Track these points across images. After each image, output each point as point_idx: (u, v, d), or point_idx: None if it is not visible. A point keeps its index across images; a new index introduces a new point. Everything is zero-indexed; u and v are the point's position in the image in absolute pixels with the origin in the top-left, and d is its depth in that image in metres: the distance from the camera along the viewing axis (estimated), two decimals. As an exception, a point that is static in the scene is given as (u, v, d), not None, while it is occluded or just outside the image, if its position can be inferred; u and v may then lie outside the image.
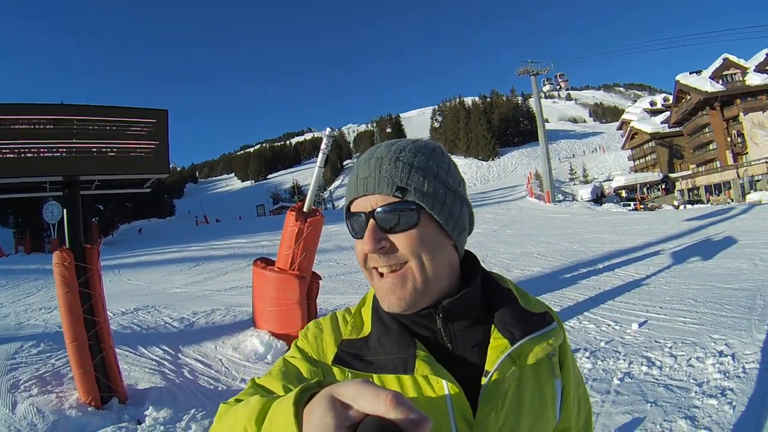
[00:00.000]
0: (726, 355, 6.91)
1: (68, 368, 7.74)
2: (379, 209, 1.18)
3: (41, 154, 6.53)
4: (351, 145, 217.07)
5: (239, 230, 42.98)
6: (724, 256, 14.60)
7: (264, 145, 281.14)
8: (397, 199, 1.18)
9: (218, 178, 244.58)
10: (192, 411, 6.57)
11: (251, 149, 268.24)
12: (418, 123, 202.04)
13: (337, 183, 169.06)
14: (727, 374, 6.34)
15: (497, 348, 1.21)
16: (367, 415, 0.66)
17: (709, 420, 5.31)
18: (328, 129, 10.46)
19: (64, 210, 7.14)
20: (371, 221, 1.18)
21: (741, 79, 70.60)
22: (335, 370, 1.26)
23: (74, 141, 6.76)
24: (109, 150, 6.98)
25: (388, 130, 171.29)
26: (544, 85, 75.76)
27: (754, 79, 69.23)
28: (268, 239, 30.74)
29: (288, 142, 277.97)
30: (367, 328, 1.30)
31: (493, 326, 1.26)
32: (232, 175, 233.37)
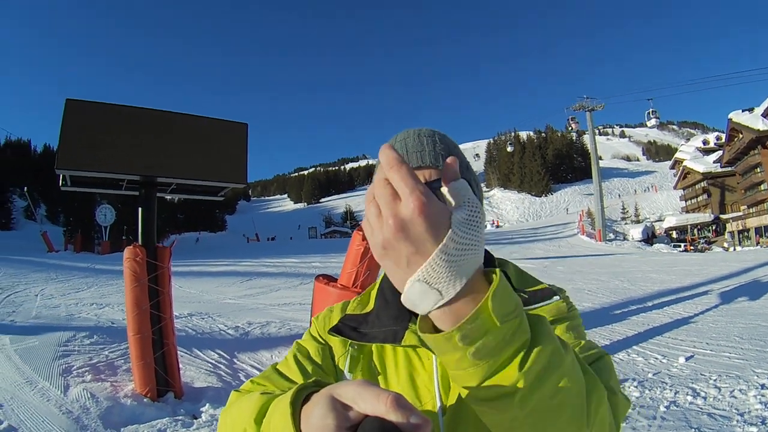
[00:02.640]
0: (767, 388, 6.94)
1: (122, 360, 8.03)
2: (437, 182, 1.10)
3: (124, 152, 6.81)
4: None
5: (291, 250, 42.90)
6: (771, 297, 14.36)
7: (318, 168, 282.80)
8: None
9: (271, 197, 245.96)
10: (250, 412, 6.65)
11: (305, 172, 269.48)
12: (472, 154, 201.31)
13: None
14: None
15: None
16: (367, 416, 0.68)
17: None
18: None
19: (140, 209, 7.36)
20: None
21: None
22: (337, 342, 1.33)
23: (157, 143, 7.07)
24: (190, 156, 7.27)
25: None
26: (650, 118, 75.02)
27: None
28: (320, 261, 30.78)
29: (342, 167, 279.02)
30: (371, 305, 1.36)
31: None
32: (285, 196, 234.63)
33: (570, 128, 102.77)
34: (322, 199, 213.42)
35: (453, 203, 0.83)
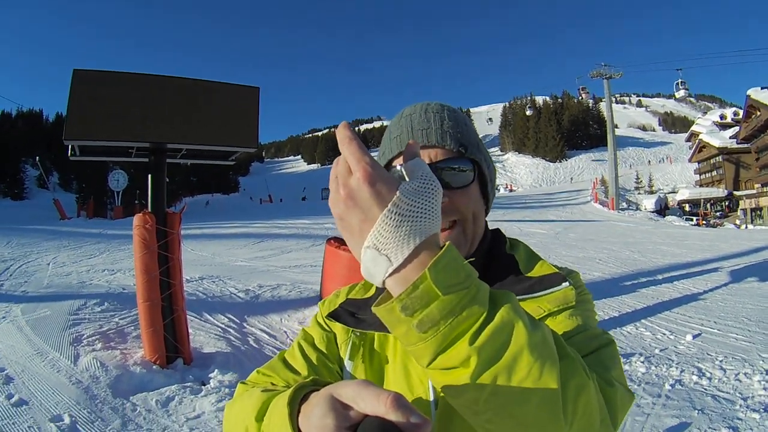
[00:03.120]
0: None
1: (132, 327, 8.10)
2: (443, 163, 1.21)
3: (133, 120, 6.80)
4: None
5: (304, 212, 43.26)
6: (782, 279, 14.41)
7: (333, 129, 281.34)
8: (458, 155, 1.22)
9: (285, 159, 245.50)
10: (258, 376, 6.69)
11: (319, 133, 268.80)
12: (488, 118, 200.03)
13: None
14: None
15: None
16: (366, 415, 0.68)
17: None
18: None
19: (149, 175, 7.36)
20: None
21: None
22: (340, 329, 1.33)
23: (166, 109, 7.04)
24: (199, 121, 7.25)
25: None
26: (678, 89, 74.36)
27: None
28: (333, 222, 30.80)
29: (357, 128, 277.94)
30: (373, 290, 1.38)
31: None
32: (299, 157, 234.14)
33: (581, 97, 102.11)
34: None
35: (407, 180, 0.85)
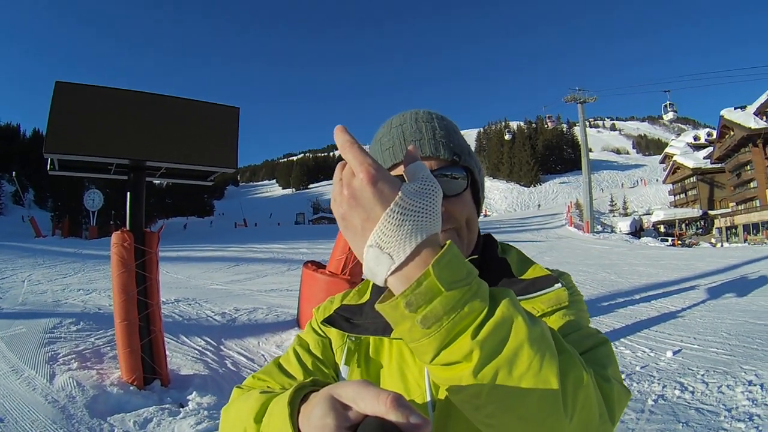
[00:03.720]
0: (755, 384, 7.03)
1: (108, 348, 7.97)
2: (437, 172, 1.21)
3: (114, 136, 6.72)
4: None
5: (278, 236, 43.41)
6: (759, 294, 14.64)
7: (307, 154, 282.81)
8: (452, 163, 1.23)
9: (260, 183, 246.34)
10: (237, 401, 6.63)
11: (294, 157, 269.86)
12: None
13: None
14: (755, 402, 6.47)
15: None
16: (366, 416, 0.68)
17: None
18: None
19: (128, 193, 7.30)
20: None
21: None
22: (335, 334, 1.32)
23: (146, 126, 6.98)
24: (180, 140, 7.19)
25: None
26: (666, 112, 75.35)
27: None
28: (307, 247, 30.98)
29: (331, 153, 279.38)
30: (367, 296, 1.37)
31: None
32: (274, 181, 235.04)
33: (547, 125, 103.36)
34: (311, 185, 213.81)
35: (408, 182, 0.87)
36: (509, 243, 1.44)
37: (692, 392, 6.94)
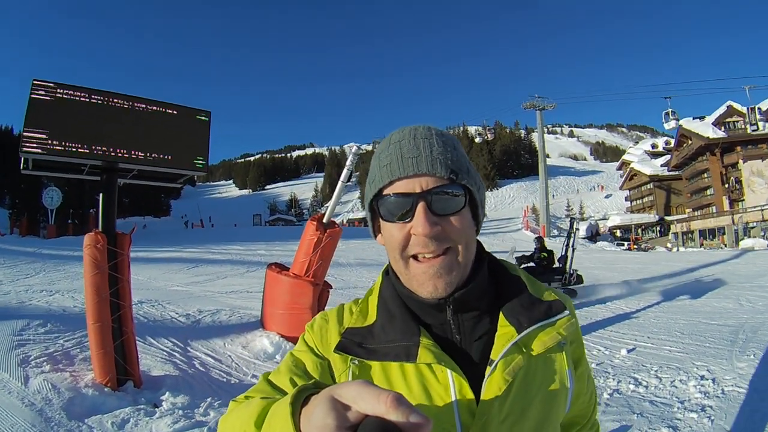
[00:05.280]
0: (707, 379, 7.40)
1: (78, 349, 7.96)
2: (434, 190, 1.17)
3: (89, 136, 6.78)
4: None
5: (236, 237, 42.95)
6: (712, 296, 15.08)
7: (264, 155, 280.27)
8: (449, 181, 1.19)
9: (216, 183, 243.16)
10: (208, 399, 6.74)
11: (252, 158, 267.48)
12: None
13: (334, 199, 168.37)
14: (707, 394, 6.85)
15: (504, 336, 1.20)
16: (367, 416, 0.68)
17: (690, 430, 5.81)
18: (355, 146, 10.88)
19: (101, 195, 7.32)
20: (422, 203, 1.16)
21: (743, 126, 71.62)
22: (337, 358, 1.25)
23: (121, 128, 7.04)
24: (152, 142, 7.26)
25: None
26: (668, 120, 75.82)
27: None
28: (265, 249, 30.93)
29: (289, 155, 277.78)
30: (372, 317, 1.30)
31: (501, 314, 1.24)
32: (231, 182, 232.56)
33: (486, 137, 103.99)
34: (268, 186, 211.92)
35: None
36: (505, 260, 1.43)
37: (646, 386, 7.27)
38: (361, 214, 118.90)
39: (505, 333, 1.20)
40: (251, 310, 12.10)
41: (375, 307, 1.32)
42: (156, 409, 6.31)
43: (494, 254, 1.42)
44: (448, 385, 1.15)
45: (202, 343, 9.44)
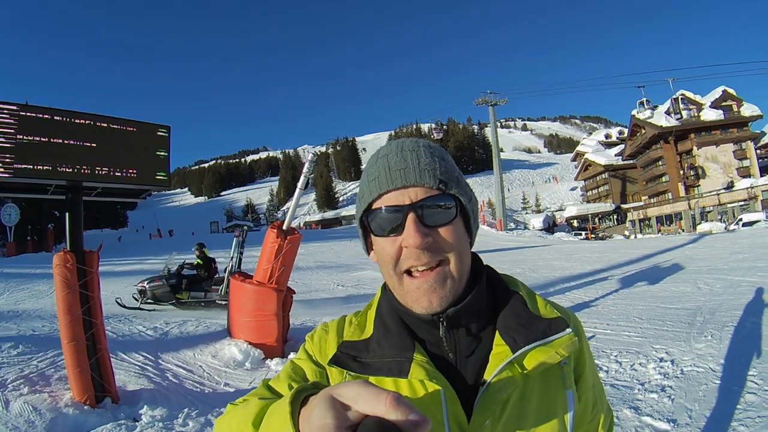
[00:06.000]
0: (666, 361, 7.72)
1: (53, 369, 7.97)
2: (423, 202, 1.15)
3: (53, 156, 6.79)
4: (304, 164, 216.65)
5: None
6: (670, 281, 15.38)
7: (219, 161, 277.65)
8: (439, 192, 1.16)
9: (171, 192, 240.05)
10: (186, 410, 6.79)
11: (206, 164, 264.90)
12: (374, 147, 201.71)
13: (290, 203, 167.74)
14: (666, 375, 7.15)
15: (498, 356, 1.16)
16: (366, 415, 0.68)
17: (651, 409, 6.09)
18: (310, 154, 10.98)
19: (67, 214, 7.33)
20: (411, 215, 1.13)
21: (696, 114, 73.24)
22: (334, 370, 1.23)
23: (83, 147, 7.07)
24: (115, 159, 7.32)
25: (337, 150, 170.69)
26: (642, 109, 76.32)
27: (709, 115, 72.71)
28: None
29: (243, 159, 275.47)
30: (369, 331, 1.28)
31: (497, 332, 1.21)
32: (186, 189, 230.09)
33: (432, 137, 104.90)
34: (223, 193, 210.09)
35: None
36: (507, 273, 1.42)
37: (606, 371, 7.55)
38: (317, 217, 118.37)
39: (500, 352, 1.16)
40: (217, 320, 12.20)
41: (372, 321, 1.30)
42: (136, 423, 6.37)
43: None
44: (440, 403, 1.12)
45: (172, 355, 9.51)
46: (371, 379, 1.16)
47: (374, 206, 1.19)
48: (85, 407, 6.67)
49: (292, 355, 9.37)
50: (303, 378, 1.26)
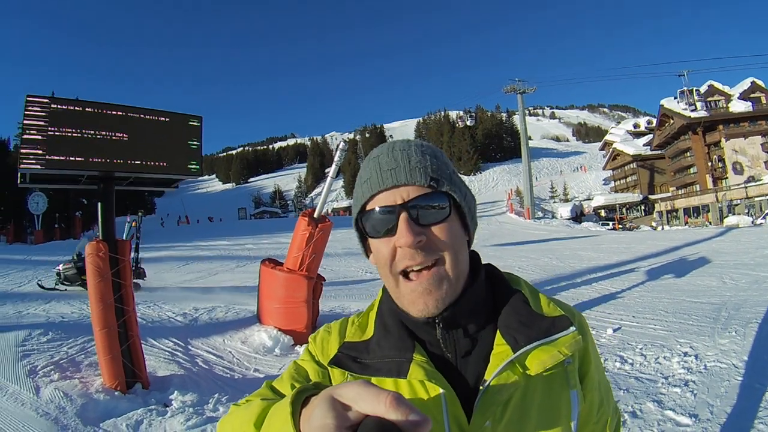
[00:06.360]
0: (690, 355, 7.75)
1: (83, 355, 8.11)
2: (415, 200, 1.15)
3: (85, 148, 6.91)
4: (333, 152, 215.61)
5: (222, 232, 42.86)
6: (696, 275, 15.29)
7: (246, 148, 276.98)
8: (430, 190, 1.16)
9: (199, 178, 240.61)
10: (216, 395, 6.91)
11: (234, 152, 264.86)
12: (401, 134, 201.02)
13: (318, 190, 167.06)
14: (690, 370, 7.18)
15: (499, 355, 1.15)
16: (367, 416, 0.68)
17: (673, 403, 6.14)
18: (342, 143, 11.04)
19: (99, 204, 7.45)
20: (404, 214, 1.13)
21: (725, 105, 72.45)
22: (335, 371, 1.23)
23: (116, 138, 7.17)
24: (148, 150, 7.42)
25: (367, 137, 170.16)
26: (683, 97, 75.63)
27: (737, 107, 71.65)
28: (253, 242, 30.91)
29: (271, 146, 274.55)
30: (370, 332, 1.28)
31: (497, 332, 1.20)
32: (214, 176, 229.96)
33: (459, 124, 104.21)
34: (251, 179, 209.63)
35: None
36: (510, 272, 1.41)
37: (632, 364, 7.59)
38: (345, 203, 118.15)
39: (500, 352, 1.15)
40: (246, 306, 12.27)
41: (373, 322, 1.30)
42: (167, 408, 6.50)
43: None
44: (440, 404, 1.12)
45: (202, 341, 9.62)
46: (373, 379, 1.15)
47: (368, 208, 1.20)
48: (116, 393, 6.80)
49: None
50: (306, 379, 1.27)
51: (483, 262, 1.35)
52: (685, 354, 7.81)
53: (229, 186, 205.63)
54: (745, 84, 72.89)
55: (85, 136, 6.92)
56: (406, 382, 1.16)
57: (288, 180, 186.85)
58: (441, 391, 1.11)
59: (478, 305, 1.23)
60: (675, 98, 76.86)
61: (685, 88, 75.69)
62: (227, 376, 8.05)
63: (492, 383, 1.11)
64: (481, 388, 1.12)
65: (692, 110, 72.20)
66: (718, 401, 6.10)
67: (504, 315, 1.22)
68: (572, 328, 1.20)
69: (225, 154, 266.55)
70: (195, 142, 7.97)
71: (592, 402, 1.30)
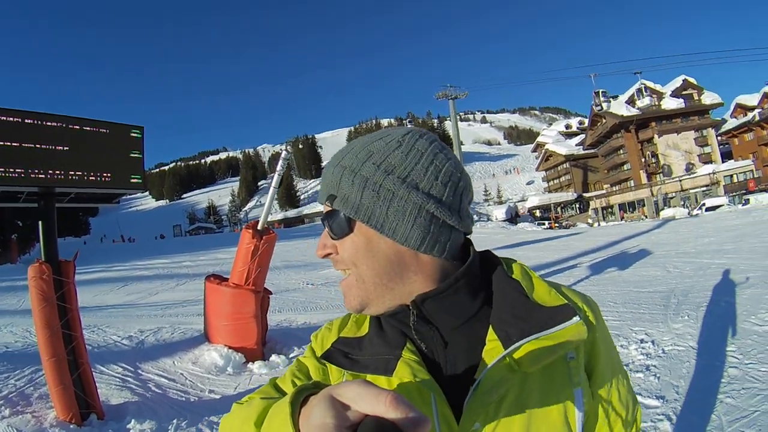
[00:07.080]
0: (646, 342, 8.01)
1: (32, 387, 7.65)
2: (323, 218, 1.20)
3: (23, 162, 6.52)
4: (266, 165, 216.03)
5: (159, 251, 42.41)
6: (640, 266, 15.75)
7: (179, 163, 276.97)
8: (330, 208, 1.17)
9: (133, 196, 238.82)
10: (174, 421, 6.64)
11: (166, 167, 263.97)
12: (333, 144, 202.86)
13: (251, 204, 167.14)
14: (649, 355, 7.44)
15: (490, 352, 1.08)
16: (366, 415, 0.68)
17: (639, 388, 6.34)
18: (284, 152, 10.84)
19: (39, 222, 7.04)
20: (326, 229, 1.19)
21: (657, 103, 74.82)
22: (333, 368, 1.24)
23: (55, 151, 6.80)
24: (89, 164, 7.06)
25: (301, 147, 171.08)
26: (641, 97, 77.25)
27: (669, 104, 74.43)
28: (190, 260, 30.42)
29: (203, 161, 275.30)
30: (365, 328, 1.26)
31: (491, 326, 1.11)
32: (147, 193, 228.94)
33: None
34: (184, 195, 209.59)
35: None
36: (509, 257, 1.29)
37: (589, 355, 7.64)
38: (279, 216, 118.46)
39: (491, 348, 1.08)
40: (192, 324, 11.97)
41: (368, 318, 1.28)
42: (125, 439, 6.12)
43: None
44: (430, 403, 1.06)
45: (151, 365, 9.26)
46: (368, 377, 1.13)
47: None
48: (71, 426, 6.41)
49: (273, 358, 9.32)
50: (307, 376, 1.28)
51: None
52: (641, 341, 8.03)
53: (162, 203, 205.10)
54: (677, 82, 76.14)
55: (25, 148, 6.53)
56: (397, 380, 1.10)
57: (222, 194, 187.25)
58: (431, 395, 1.06)
59: (462, 297, 1.15)
60: (609, 98, 79.49)
61: (599, 90, 78.48)
62: (183, 400, 7.73)
63: (482, 382, 1.05)
64: (471, 388, 1.06)
65: (599, 110, 74.59)
66: (681, 382, 6.35)
67: (496, 307, 1.14)
68: (575, 319, 1.09)
69: (158, 170, 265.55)
70: (137, 154, 7.64)
71: (603, 396, 1.20)
